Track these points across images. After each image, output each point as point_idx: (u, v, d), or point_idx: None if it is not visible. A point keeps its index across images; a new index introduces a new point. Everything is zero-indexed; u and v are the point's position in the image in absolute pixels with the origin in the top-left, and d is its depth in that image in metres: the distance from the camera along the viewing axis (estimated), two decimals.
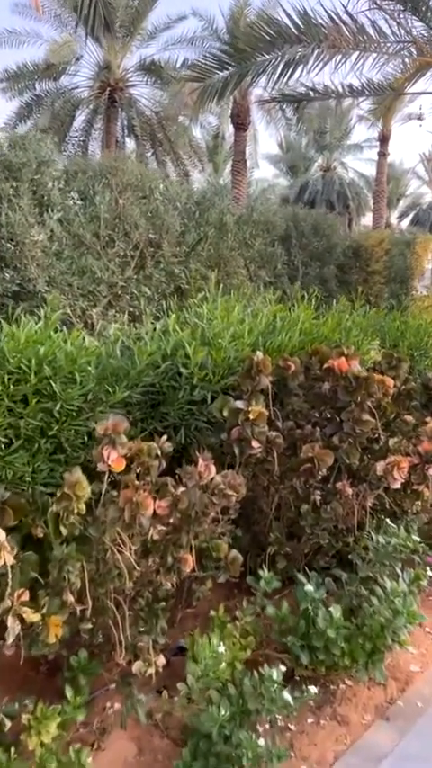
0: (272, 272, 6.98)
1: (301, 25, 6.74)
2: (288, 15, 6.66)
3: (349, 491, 3.50)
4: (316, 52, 6.99)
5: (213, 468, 2.98)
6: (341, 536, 3.54)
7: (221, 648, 2.47)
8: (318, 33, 6.83)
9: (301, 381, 3.88)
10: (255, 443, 3.10)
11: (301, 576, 3.06)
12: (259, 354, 3.50)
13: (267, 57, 7.12)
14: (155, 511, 2.66)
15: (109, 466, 2.57)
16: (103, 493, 2.60)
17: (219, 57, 7.62)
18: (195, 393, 3.60)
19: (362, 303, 5.22)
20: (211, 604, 3.43)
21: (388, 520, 3.53)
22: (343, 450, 3.57)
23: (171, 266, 5.26)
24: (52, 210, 4.70)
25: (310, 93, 8.48)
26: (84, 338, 3.16)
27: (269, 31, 6.87)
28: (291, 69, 7.21)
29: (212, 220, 5.86)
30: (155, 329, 3.67)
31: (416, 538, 3.15)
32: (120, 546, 2.49)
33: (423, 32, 7.74)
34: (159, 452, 3.16)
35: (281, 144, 38.50)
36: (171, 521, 2.68)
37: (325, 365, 3.84)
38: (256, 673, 2.51)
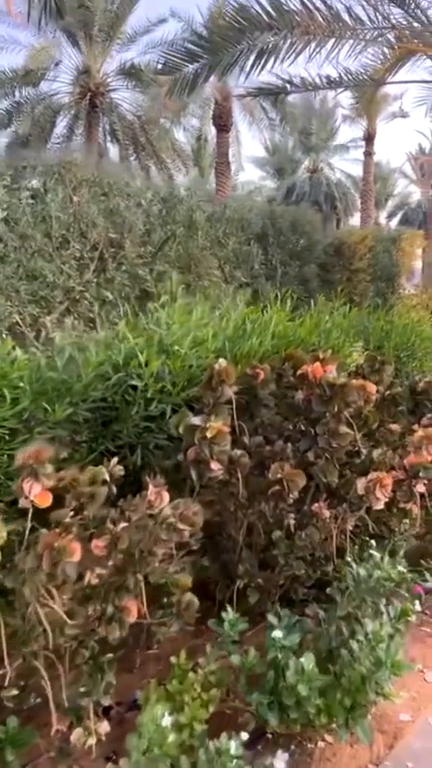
0: (248, 272, 6.60)
1: (273, 12, 6.38)
2: (258, 2, 6.31)
3: (326, 513, 3.11)
4: (289, 40, 6.64)
5: (166, 496, 2.58)
6: (319, 565, 3.14)
7: (167, 720, 2.06)
8: (290, 20, 6.46)
9: (272, 390, 3.49)
10: (214, 465, 2.70)
11: (271, 617, 2.65)
12: (221, 362, 3.11)
13: (238, 47, 6.76)
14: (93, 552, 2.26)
15: (32, 502, 2.16)
16: (27, 534, 2.20)
17: (189, 49, 7.26)
18: (152, 407, 3.20)
19: (343, 302, 4.84)
20: (176, 643, 3.04)
21: (373, 542, 3.13)
22: (318, 467, 3.17)
23: (135, 268, 4.88)
24: None
25: (287, 86, 8.12)
26: (14, 349, 2.76)
27: (239, 19, 6.51)
28: (263, 59, 6.85)
29: (181, 218, 5.48)
30: (110, 337, 3.27)
31: (401, 568, 2.75)
32: (45, 598, 2.08)
33: (401, 20, 7.40)
34: (108, 477, 2.77)
35: (267, 146, 38.29)
36: (111, 562, 2.27)
37: (298, 372, 3.46)
38: (212, 744, 2.11)
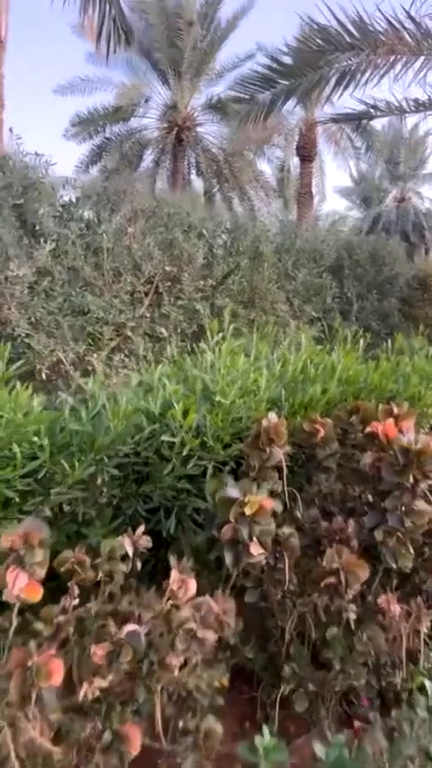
0: (320, 306, 6.09)
1: (355, 32, 5.97)
2: (339, 22, 5.92)
3: (396, 610, 2.52)
4: (372, 61, 6.19)
5: (192, 585, 2.12)
6: (384, 674, 2.54)
7: None
8: (374, 40, 6.02)
9: (334, 450, 2.97)
10: (254, 549, 2.21)
11: (318, 749, 2.10)
12: (271, 417, 2.63)
13: (318, 71, 6.37)
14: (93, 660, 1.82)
15: (17, 596, 1.76)
16: (11, 635, 1.79)
17: (265, 75, 6.96)
18: (190, 466, 2.76)
19: (427, 342, 4.24)
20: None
21: None
22: (388, 549, 2.60)
23: (193, 302, 4.53)
24: (45, 241, 4.08)
25: (371, 110, 7.64)
26: (32, 396, 2.41)
27: (318, 40, 6.14)
28: (345, 82, 6.42)
29: (245, 249, 5.09)
30: (140, 382, 2.89)
31: None
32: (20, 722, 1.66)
33: None
34: (130, 550, 2.35)
35: (353, 176, 37.73)
36: (113, 676, 1.83)
37: (367, 429, 2.92)
38: None
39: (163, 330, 3.40)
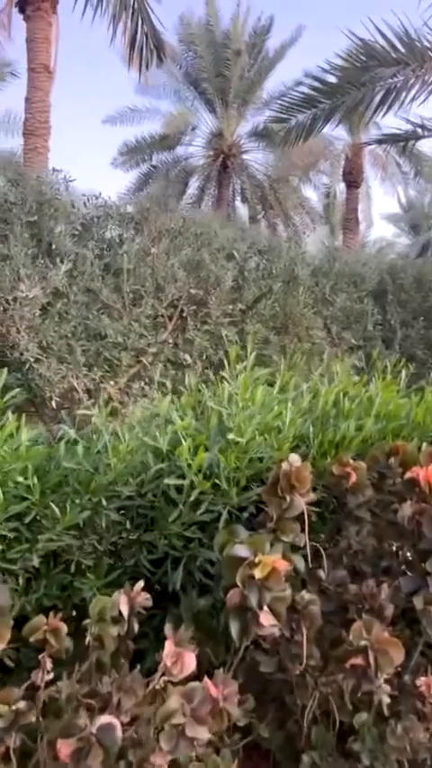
0: (360, 333, 5.71)
1: (400, 46, 5.70)
2: (384, 36, 5.66)
3: None
4: (420, 77, 5.88)
5: (191, 661, 1.78)
6: None
7: None
8: (421, 54, 5.73)
9: (368, 498, 2.59)
10: (265, 619, 1.86)
11: None
12: (294, 459, 2.30)
13: (361, 89, 6.11)
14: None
15: None
16: None
17: (306, 94, 6.74)
18: (200, 511, 2.44)
19: None
20: None
21: None
22: (430, 619, 2.20)
23: (219, 328, 4.25)
24: (61, 261, 3.88)
25: (418, 130, 7.31)
26: (18, 429, 2.15)
27: (361, 56, 5.89)
28: (390, 100, 6.13)
29: (279, 272, 4.78)
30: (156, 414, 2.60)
31: None
32: None
33: None
34: (126, 610, 2.05)
35: (401, 202, 37.25)
36: None
37: (407, 474, 2.54)
38: None
39: (187, 357, 3.13)
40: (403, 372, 3.81)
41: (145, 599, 2.17)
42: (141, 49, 6.93)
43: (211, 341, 3.93)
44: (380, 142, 9.61)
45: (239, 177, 24.66)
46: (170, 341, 4.11)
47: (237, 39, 23.08)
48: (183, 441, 2.36)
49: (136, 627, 2.10)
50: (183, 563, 2.45)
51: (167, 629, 1.87)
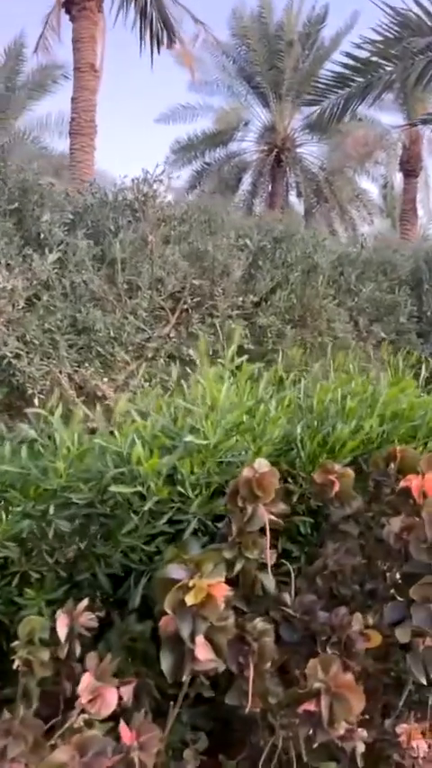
0: (393, 326, 5.26)
1: None
2: (418, 3, 5.18)
3: (422, 747, 1.78)
4: None
5: (112, 698, 1.55)
6: None
7: None
8: None
9: (355, 510, 2.27)
10: (202, 652, 1.59)
11: None
12: (260, 464, 2.02)
13: (398, 63, 5.66)
14: None
15: None
16: None
17: (339, 73, 6.33)
18: (162, 521, 2.20)
19: None
20: None
21: None
22: (415, 656, 1.87)
23: (228, 321, 3.96)
24: (50, 251, 3.69)
25: None
26: None
27: (394, 28, 5.44)
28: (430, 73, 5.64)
29: (295, 260, 4.43)
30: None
31: None
32: None
33: None
34: (64, 632, 1.85)
35: None
36: None
37: (401, 484, 2.21)
38: None
39: (191, 352, 2.89)
40: (424, 368, 3.43)
41: (89, 619, 1.96)
42: (152, 31, 6.72)
43: (219, 335, 3.68)
44: (424, 122, 9.01)
45: (293, 171, 24.18)
46: (172, 335, 3.88)
47: (290, 29, 22.61)
48: (138, 443, 2.12)
49: (78, 650, 1.89)
50: (142, 580, 2.21)
51: (89, 659, 1.63)
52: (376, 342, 4.78)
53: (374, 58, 5.74)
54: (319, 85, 6.58)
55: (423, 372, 3.33)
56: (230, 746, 2.19)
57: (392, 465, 2.46)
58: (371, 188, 24.69)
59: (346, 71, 6.19)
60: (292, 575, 2.06)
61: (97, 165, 12.75)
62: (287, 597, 1.95)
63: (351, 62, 6.08)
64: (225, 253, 4.07)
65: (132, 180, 4.09)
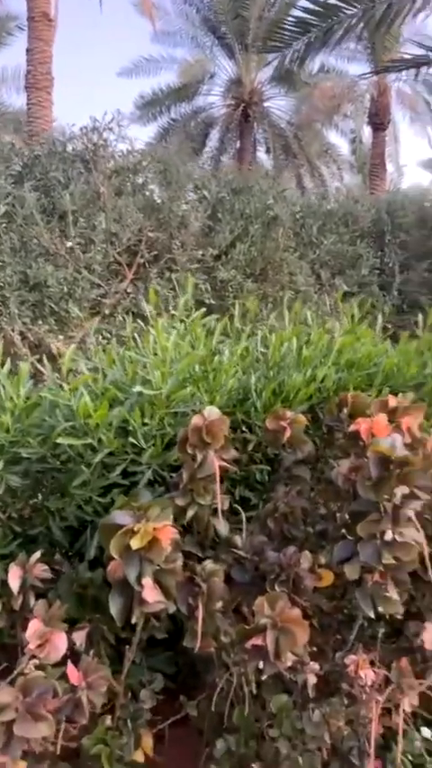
0: (355, 279, 5.24)
1: None
2: None
3: (369, 676, 1.84)
4: None
5: (62, 643, 1.57)
6: (349, 764, 1.87)
7: None
8: None
9: (306, 455, 2.30)
10: (150, 594, 1.61)
11: None
12: (210, 412, 2.01)
13: (359, 5, 5.48)
14: None
15: None
16: None
17: (299, 18, 6.13)
18: (115, 473, 2.20)
19: None
20: None
21: None
22: (363, 591, 1.92)
23: (186, 275, 3.89)
24: None
25: (429, 54, 6.63)
26: None
27: None
28: (392, 15, 5.47)
29: (255, 212, 4.35)
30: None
31: None
32: None
33: None
34: (16, 584, 1.86)
35: None
36: None
37: (351, 428, 2.23)
38: None
39: (151, 308, 2.83)
40: (380, 317, 3.44)
41: (42, 570, 1.96)
42: None
43: (179, 290, 3.61)
44: (387, 70, 8.84)
45: (261, 126, 23.64)
46: (129, 291, 3.80)
47: None
48: (86, 396, 2.09)
49: (32, 601, 1.90)
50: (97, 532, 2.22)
51: (37, 606, 1.64)
52: (336, 296, 4.76)
53: (334, 1, 5.56)
54: (281, 32, 6.37)
55: (380, 321, 3.34)
56: (194, 689, 2.25)
57: (344, 410, 2.49)
58: (340, 143, 24.33)
59: (308, 16, 5.99)
60: (244, 518, 2.08)
61: (60, 121, 12.27)
62: (238, 539, 1.97)
63: (312, 6, 5.87)
64: (180, 206, 3.98)
65: (81, 129, 3.94)
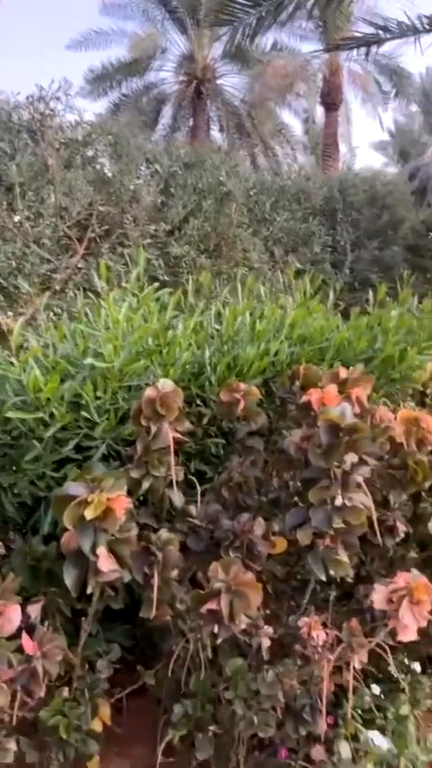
0: (308, 257, 5.30)
1: None
2: None
3: (321, 636, 1.91)
4: None
5: (15, 615, 1.56)
6: (302, 721, 1.94)
7: None
8: None
9: (260, 426, 2.33)
10: (104, 563, 1.61)
11: None
12: (163, 384, 2.01)
13: None
14: None
15: None
16: None
17: None
18: (67, 448, 2.18)
19: (406, 294, 3.49)
20: None
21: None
22: (315, 555, 1.98)
23: (139, 250, 3.84)
24: None
25: (380, 32, 6.68)
26: None
27: None
28: None
29: (207, 187, 4.32)
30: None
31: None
32: None
33: None
34: None
35: (389, 129, 35.79)
36: None
37: (303, 398, 2.26)
38: None
39: (104, 284, 2.78)
40: (331, 294, 3.50)
41: None
42: None
43: (132, 265, 3.55)
44: (338, 48, 8.85)
45: (214, 104, 23.36)
46: (81, 266, 3.74)
47: None
48: (37, 371, 2.06)
49: None
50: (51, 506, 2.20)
51: None
52: (290, 273, 4.79)
53: None
54: (232, 4, 6.27)
55: (331, 298, 3.39)
56: (152, 660, 2.28)
57: (297, 383, 2.53)
58: (294, 123, 24.30)
59: None
60: (199, 490, 2.10)
61: (5, 95, 11.81)
62: (193, 509, 1.99)
63: None
64: (131, 180, 3.91)
65: (27, 98, 3.81)
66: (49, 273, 3.52)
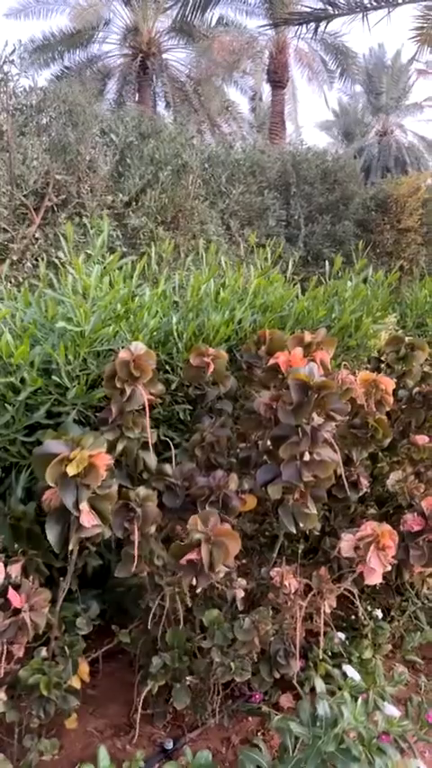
0: (263, 230, 5.36)
1: None
2: None
3: (292, 584, 2.00)
4: None
5: None
6: (276, 664, 2.03)
7: None
8: None
9: (229, 389, 2.39)
10: (87, 519, 1.64)
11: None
12: (137, 347, 2.03)
13: None
14: None
15: None
16: None
17: None
18: (39, 413, 2.18)
19: (362, 265, 3.60)
20: None
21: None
22: (285, 509, 2.06)
23: (98, 221, 3.81)
24: None
25: (328, 8, 6.72)
26: None
27: None
28: None
29: (164, 158, 4.30)
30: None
31: (393, 711, 1.62)
32: None
33: None
34: None
35: (334, 109, 36.16)
36: None
37: (270, 361, 2.33)
38: None
39: (61, 255, 2.74)
40: (290, 263, 3.57)
41: None
42: None
43: (90, 236, 3.51)
44: (286, 22, 8.86)
45: (160, 78, 22.97)
46: (38, 237, 3.67)
47: None
48: (8, 335, 2.04)
49: None
50: (24, 473, 2.21)
51: None
52: (247, 246, 4.85)
53: None
54: None
55: (290, 267, 3.46)
56: (121, 626, 2.33)
57: (262, 348, 2.60)
58: (241, 101, 24.21)
59: None
60: (173, 449, 2.15)
61: None
62: (168, 468, 2.04)
63: None
64: (90, 147, 3.85)
65: None
66: (6, 243, 3.45)
